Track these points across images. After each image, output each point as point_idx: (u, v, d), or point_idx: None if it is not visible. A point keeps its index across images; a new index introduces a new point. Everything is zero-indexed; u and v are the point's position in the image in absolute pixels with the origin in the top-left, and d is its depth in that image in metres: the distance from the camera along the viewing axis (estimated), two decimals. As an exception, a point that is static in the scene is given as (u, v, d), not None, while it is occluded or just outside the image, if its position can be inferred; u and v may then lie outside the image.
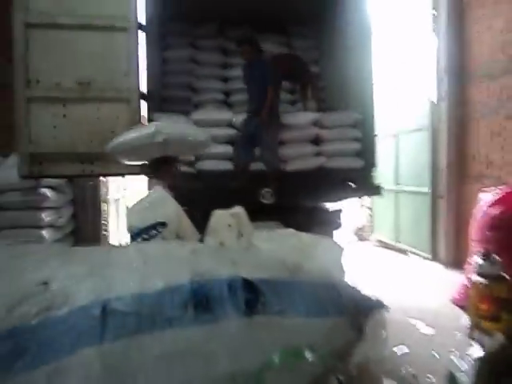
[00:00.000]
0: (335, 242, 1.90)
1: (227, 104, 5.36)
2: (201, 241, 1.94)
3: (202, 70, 5.43)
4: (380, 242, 8.07)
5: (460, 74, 6.00)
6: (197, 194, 3.72)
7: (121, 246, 1.69)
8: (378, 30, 5.79)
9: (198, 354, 1.09)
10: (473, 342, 2.71)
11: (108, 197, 5.87)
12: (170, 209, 2.03)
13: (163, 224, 1.92)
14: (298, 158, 4.41)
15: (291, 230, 2.05)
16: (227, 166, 4.33)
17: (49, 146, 3.86)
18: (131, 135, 3.13)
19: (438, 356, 3.00)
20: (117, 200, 6.51)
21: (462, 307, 4.27)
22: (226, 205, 2.13)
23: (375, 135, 4.52)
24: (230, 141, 4.40)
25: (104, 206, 5.69)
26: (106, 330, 1.07)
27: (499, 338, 2.47)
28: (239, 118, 4.38)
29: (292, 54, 5.24)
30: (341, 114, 4.63)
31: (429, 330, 3.68)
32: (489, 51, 5.46)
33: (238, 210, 2.07)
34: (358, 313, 1.29)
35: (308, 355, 1.13)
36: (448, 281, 5.39)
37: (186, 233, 2.05)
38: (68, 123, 3.89)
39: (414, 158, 6.79)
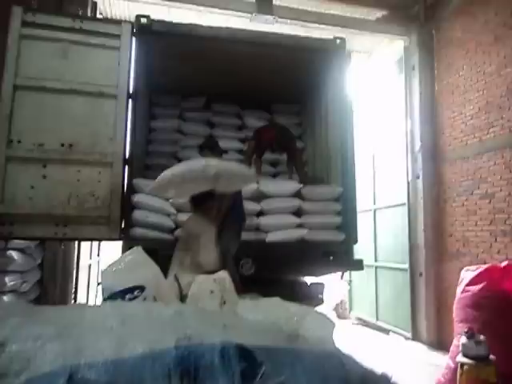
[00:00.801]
0: (325, 315, 1.77)
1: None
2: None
3: (187, 141, 5.52)
4: (359, 319, 7.83)
5: (434, 155, 6.31)
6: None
7: (95, 305, 1.51)
8: (358, 108, 6.13)
9: None
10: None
11: (80, 263, 5.58)
12: (149, 271, 1.89)
13: (141, 288, 1.77)
14: (279, 228, 4.36)
15: (277, 299, 1.92)
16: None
17: (24, 206, 3.75)
18: (181, 168, 3.12)
19: None
20: (89, 266, 6.20)
21: (449, 392, 4.07)
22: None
23: (356, 209, 4.56)
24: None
25: (75, 273, 5.39)
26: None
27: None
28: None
29: (278, 124, 5.37)
30: (324, 188, 4.69)
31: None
32: (461, 135, 5.79)
33: (222, 274, 1.95)
34: (363, 388, 1.15)
35: None
36: (431, 362, 5.19)
37: (165, 298, 1.89)
38: (47, 184, 3.81)
39: (392, 233, 6.86)
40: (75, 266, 5.44)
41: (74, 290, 5.42)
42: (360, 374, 1.18)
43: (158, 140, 5.48)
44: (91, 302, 5.93)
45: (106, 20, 6.10)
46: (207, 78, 5.07)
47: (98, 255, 6.80)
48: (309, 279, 4.68)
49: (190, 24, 4.42)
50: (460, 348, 3.80)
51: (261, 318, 1.66)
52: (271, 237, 4.29)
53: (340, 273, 5.18)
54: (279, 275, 4.09)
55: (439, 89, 6.35)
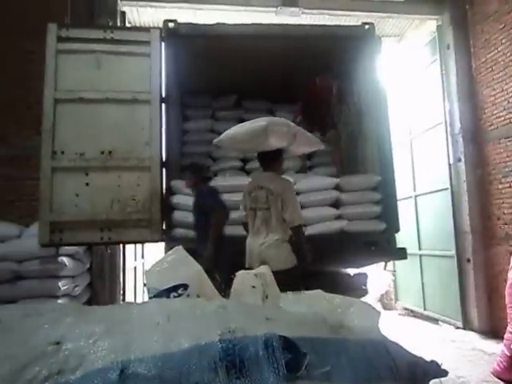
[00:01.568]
0: (370, 305, 1.75)
1: (245, 171, 5.42)
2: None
3: (221, 140, 5.57)
4: (406, 309, 7.65)
5: (475, 135, 6.05)
6: (216, 259, 3.61)
7: (142, 302, 1.56)
8: (392, 93, 5.95)
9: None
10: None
11: (126, 265, 5.78)
12: (191, 269, 1.93)
13: (184, 286, 1.81)
14: (318, 221, 4.32)
15: (320, 291, 1.91)
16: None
17: (70, 213, 3.92)
18: (246, 127, 3.27)
19: None
20: (134, 268, 6.41)
21: (505, 380, 3.92)
22: (247, 269, 2.04)
23: (396, 197, 4.45)
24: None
25: (121, 275, 5.59)
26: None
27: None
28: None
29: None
30: (360, 177, 4.61)
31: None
32: (504, 112, 5.52)
33: (263, 270, 1.96)
34: (414, 378, 1.12)
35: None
36: (485, 351, 5.00)
37: (208, 295, 1.93)
38: (90, 191, 3.97)
39: (435, 220, 6.63)
40: (121, 268, 5.63)
41: (121, 291, 5.62)
42: (407, 362, 1.16)
43: (192, 141, 5.56)
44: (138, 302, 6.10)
45: (135, 28, 6.26)
46: (236, 76, 5.07)
47: (143, 257, 7.00)
48: (352, 270, 4.62)
49: (216, 24, 4.46)
50: (515, 335, 3.65)
51: (304, 310, 1.65)
52: (310, 230, 4.26)
53: (383, 263, 5.07)
54: (320, 267, 4.05)
55: (477, 66, 6.07)
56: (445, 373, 1.22)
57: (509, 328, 4.06)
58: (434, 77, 6.57)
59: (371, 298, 7.61)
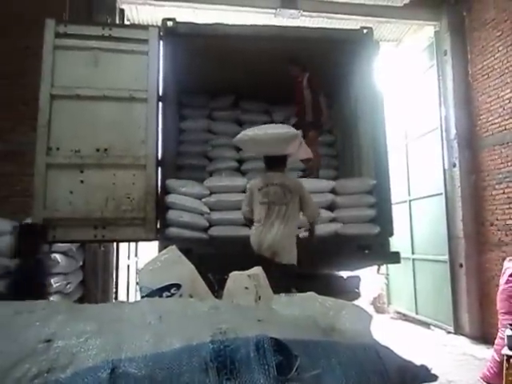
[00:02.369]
0: (362, 308, 1.75)
1: (240, 171, 5.42)
2: (216, 304, 1.81)
3: (217, 140, 5.57)
4: (398, 313, 7.69)
5: (470, 141, 6.09)
6: (210, 259, 3.61)
7: (133, 301, 1.56)
8: (388, 97, 5.96)
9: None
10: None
11: (119, 263, 5.76)
12: (185, 269, 1.93)
13: (177, 285, 1.81)
14: (313, 223, 4.32)
15: (312, 294, 1.92)
16: (241, 231, 4.25)
17: (64, 211, 3.90)
18: (263, 131, 3.45)
19: None
20: (127, 267, 6.38)
21: (495, 386, 3.94)
22: (240, 269, 2.03)
23: (391, 201, 4.47)
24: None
25: (114, 273, 5.57)
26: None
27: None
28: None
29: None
30: (356, 181, 4.62)
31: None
32: (499, 119, 5.56)
33: (257, 271, 1.96)
34: (403, 382, 1.12)
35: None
36: (475, 356, 5.04)
37: (201, 295, 1.93)
38: (84, 189, 3.95)
39: (429, 224, 6.67)
40: (115, 266, 5.61)
41: (114, 289, 5.59)
42: (398, 366, 1.16)
43: (189, 140, 5.55)
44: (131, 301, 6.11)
45: (133, 26, 6.25)
46: (234, 76, 5.08)
47: (136, 256, 6.98)
48: (345, 273, 4.63)
49: (215, 24, 4.46)
50: (505, 341, 3.67)
51: (296, 312, 1.66)
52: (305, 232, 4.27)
53: (376, 266, 5.08)
54: (314, 269, 4.05)
55: (473, 73, 6.11)
56: (434, 377, 1.23)
57: (499, 334, 4.10)
58: (431, 82, 6.61)
59: (364, 301, 7.62)
